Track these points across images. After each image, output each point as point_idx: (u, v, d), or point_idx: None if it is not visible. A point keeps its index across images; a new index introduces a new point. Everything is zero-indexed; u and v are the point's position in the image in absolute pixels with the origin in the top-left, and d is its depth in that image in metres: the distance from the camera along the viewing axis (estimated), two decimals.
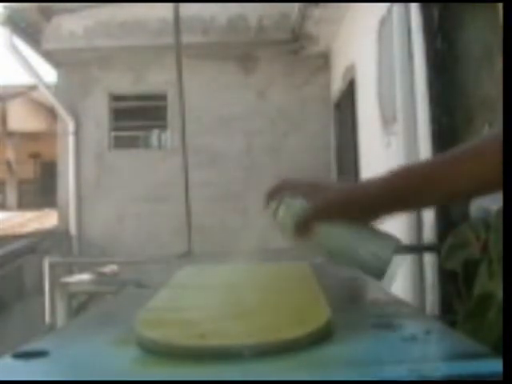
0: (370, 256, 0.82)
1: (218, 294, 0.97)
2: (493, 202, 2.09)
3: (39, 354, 0.63)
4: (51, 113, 10.06)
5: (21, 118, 15.05)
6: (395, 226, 3.45)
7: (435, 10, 3.12)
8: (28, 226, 8.79)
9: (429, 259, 3.16)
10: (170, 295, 0.96)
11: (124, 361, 0.62)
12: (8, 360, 0.62)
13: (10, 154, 16.98)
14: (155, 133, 7.72)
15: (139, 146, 7.68)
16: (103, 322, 0.83)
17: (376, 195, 0.80)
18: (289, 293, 0.93)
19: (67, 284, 3.80)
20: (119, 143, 7.49)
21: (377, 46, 4.43)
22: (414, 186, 0.80)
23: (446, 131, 3.03)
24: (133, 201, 7.15)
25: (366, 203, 0.81)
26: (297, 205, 0.84)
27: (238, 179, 6.85)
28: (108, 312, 0.95)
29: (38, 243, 6.39)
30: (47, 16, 6.72)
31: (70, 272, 5.47)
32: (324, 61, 7.04)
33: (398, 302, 0.92)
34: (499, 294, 1.60)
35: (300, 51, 6.88)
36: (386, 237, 0.85)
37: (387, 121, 4.15)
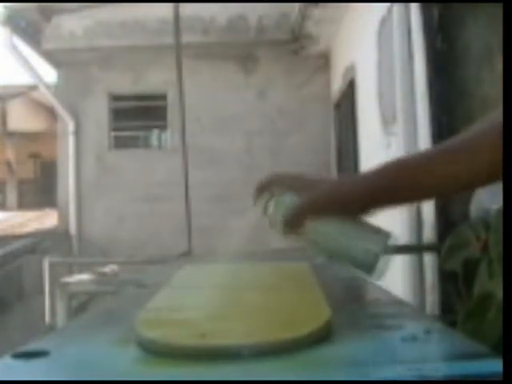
0: (361, 251, 0.81)
1: (218, 294, 0.97)
2: (493, 202, 2.09)
3: (39, 354, 0.63)
4: (51, 113, 10.06)
5: (21, 118, 15.05)
6: (395, 225, 3.43)
7: (435, 9, 3.12)
8: (28, 225, 8.79)
9: (429, 259, 3.15)
10: (170, 295, 0.96)
11: (124, 361, 0.62)
12: (8, 360, 0.62)
13: (10, 154, 16.98)
14: (155, 133, 7.72)
15: (139, 146, 7.68)
16: (103, 322, 0.83)
17: (366, 189, 0.79)
18: (289, 293, 0.93)
19: (67, 284, 3.80)
20: (119, 143, 7.49)
21: (377, 46, 4.43)
22: (404, 180, 0.79)
23: (445, 131, 3.03)
24: (133, 201, 7.15)
25: (356, 198, 0.79)
26: (287, 200, 0.83)
27: (238, 179, 6.84)
28: (108, 312, 0.95)
29: (37, 243, 6.39)
30: (47, 16, 6.72)
31: (70, 272, 5.46)
32: (324, 61, 7.04)
33: (398, 302, 0.92)
34: (499, 293, 1.60)
35: (300, 51, 6.88)
36: (377, 232, 0.84)
37: (387, 121, 4.15)
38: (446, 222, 2.99)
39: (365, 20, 4.85)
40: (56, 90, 7.27)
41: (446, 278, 2.80)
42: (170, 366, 0.59)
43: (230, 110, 7.11)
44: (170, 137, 7.33)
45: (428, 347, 0.65)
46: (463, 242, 2.06)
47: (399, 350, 0.62)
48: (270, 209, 0.84)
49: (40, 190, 16.56)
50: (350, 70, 5.64)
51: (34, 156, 17.71)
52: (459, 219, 2.70)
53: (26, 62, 6.60)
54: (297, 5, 5.85)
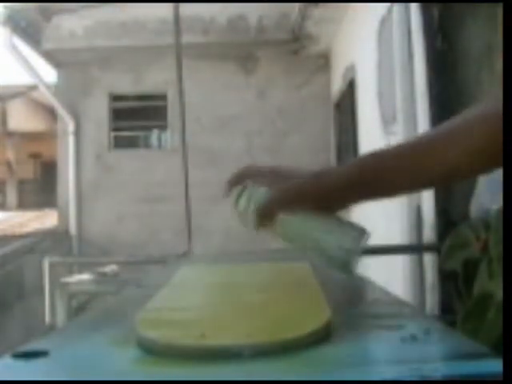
0: (334, 247, 0.78)
1: (218, 294, 0.97)
2: (493, 202, 2.09)
3: (39, 354, 0.63)
4: (51, 113, 10.07)
5: (21, 118, 15.05)
6: (395, 225, 3.44)
7: (435, 9, 3.12)
8: (28, 225, 8.79)
9: (429, 259, 3.16)
10: (170, 295, 0.96)
11: (124, 361, 0.62)
12: (8, 360, 0.62)
13: (10, 154, 16.97)
14: (155, 133, 7.72)
15: (139, 146, 7.68)
16: (103, 322, 0.83)
17: (340, 183, 0.76)
18: (289, 293, 0.93)
19: (67, 284, 3.80)
20: (119, 143, 7.50)
21: (377, 46, 4.43)
22: (379, 174, 0.76)
23: None
24: (133, 201, 7.15)
25: (330, 191, 0.77)
26: (259, 193, 0.80)
27: None
28: (108, 312, 0.95)
29: (37, 243, 6.39)
30: (47, 16, 6.72)
31: (70, 272, 5.46)
32: (324, 61, 7.04)
33: (397, 302, 0.91)
34: (499, 293, 1.60)
35: (300, 51, 6.89)
36: (352, 227, 0.80)
37: (387, 121, 4.15)
38: (446, 221, 2.99)
39: (365, 20, 4.85)
40: (56, 89, 7.27)
41: (446, 278, 2.80)
42: (170, 366, 0.59)
43: (230, 109, 7.11)
44: (170, 137, 7.33)
45: (428, 347, 0.65)
46: (463, 242, 2.06)
47: (399, 350, 0.62)
48: (242, 202, 0.81)
49: (40, 190, 16.56)
50: (350, 70, 5.64)
51: (34, 156, 17.71)
52: (459, 219, 2.70)
53: (26, 62, 6.60)
54: (297, 5, 5.85)
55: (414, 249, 3.32)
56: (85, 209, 7.26)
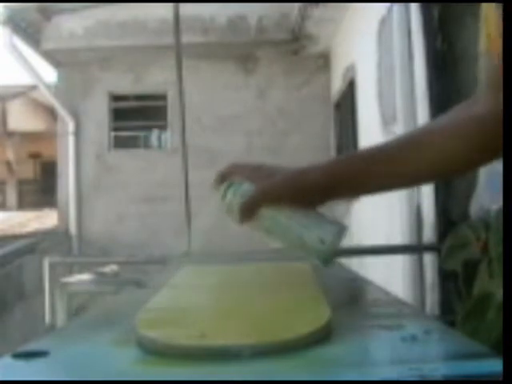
0: (315, 240, 0.82)
1: (218, 294, 0.97)
2: (493, 202, 2.09)
3: (39, 354, 0.63)
4: (51, 113, 10.07)
5: (21, 118, 15.05)
6: (395, 225, 3.44)
7: (435, 9, 3.12)
8: (28, 225, 8.79)
9: (429, 259, 3.16)
10: (170, 295, 0.96)
11: (124, 361, 0.62)
12: (8, 360, 0.62)
13: (9, 154, 16.98)
14: (155, 133, 7.72)
15: (139, 146, 7.68)
16: (103, 322, 0.83)
17: (318, 181, 0.82)
18: (289, 293, 0.93)
19: (67, 284, 3.79)
20: (119, 143, 7.49)
21: (377, 46, 4.43)
22: (353, 173, 0.82)
23: None
24: (133, 201, 7.15)
25: (310, 188, 0.82)
26: (244, 188, 0.85)
27: None
28: (108, 312, 0.95)
29: (37, 243, 6.39)
30: (47, 16, 6.72)
31: (70, 272, 5.46)
32: (324, 61, 7.04)
33: (398, 302, 0.92)
34: (499, 293, 1.60)
35: (300, 51, 6.88)
36: (330, 222, 0.85)
37: (387, 121, 4.15)
38: (446, 221, 2.99)
39: (365, 20, 4.85)
40: (56, 90, 7.27)
41: (446, 277, 2.80)
42: (170, 366, 0.59)
43: (230, 110, 7.11)
44: (170, 137, 7.33)
45: (428, 347, 0.65)
46: (463, 242, 2.06)
47: (399, 350, 0.62)
48: (228, 196, 0.87)
49: (40, 190, 16.57)
50: (350, 70, 5.64)
51: (34, 156, 17.72)
52: (459, 219, 2.71)
53: (25, 62, 6.60)
54: (297, 5, 5.85)
55: (414, 249, 3.32)
56: (85, 209, 7.26)
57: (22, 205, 15.88)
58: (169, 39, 3.95)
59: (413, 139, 0.84)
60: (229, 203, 0.86)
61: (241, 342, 0.62)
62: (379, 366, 0.59)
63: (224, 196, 0.88)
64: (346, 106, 6.05)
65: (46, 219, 9.19)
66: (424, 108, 3.23)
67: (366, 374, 0.55)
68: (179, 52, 3.50)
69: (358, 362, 0.60)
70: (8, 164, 17.11)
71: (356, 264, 3.74)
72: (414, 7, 3.31)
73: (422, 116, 3.26)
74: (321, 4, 5.38)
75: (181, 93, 3.51)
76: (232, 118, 7.11)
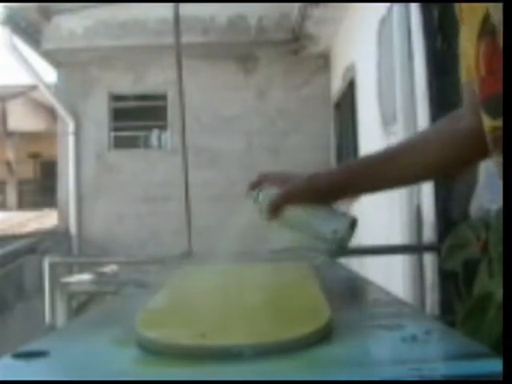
0: (330, 231, 0.97)
1: (218, 294, 0.97)
2: (493, 202, 2.09)
3: (39, 354, 0.63)
4: (51, 113, 10.06)
5: (21, 118, 15.04)
6: (395, 225, 3.43)
7: (435, 9, 3.12)
8: (28, 225, 8.79)
9: (429, 259, 3.16)
10: (170, 295, 0.96)
11: (124, 361, 0.62)
12: (8, 360, 0.62)
13: (9, 154, 16.97)
14: (155, 133, 7.72)
15: (139, 146, 7.68)
16: (103, 322, 0.83)
17: (327, 183, 1.01)
18: (289, 293, 0.93)
19: (67, 284, 3.79)
20: (119, 143, 7.49)
21: (377, 46, 4.43)
22: (353, 178, 1.03)
23: None
24: (133, 201, 7.15)
25: (323, 189, 1.00)
26: (271, 192, 1.02)
27: (238, 179, 6.84)
28: (108, 312, 0.95)
29: (37, 243, 6.39)
30: (47, 16, 6.72)
31: (70, 272, 5.46)
32: (324, 61, 7.04)
33: (398, 302, 0.92)
34: (499, 293, 1.60)
35: (300, 51, 6.88)
36: (344, 215, 1.01)
37: (387, 121, 4.15)
38: (446, 221, 2.99)
39: (365, 20, 4.85)
40: (56, 89, 7.27)
41: (446, 277, 2.80)
42: (170, 366, 0.59)
43: (230, 110, 7.11)
44: (170, 137, 7.33)
45: (428, 347, 0.65)
46: (463, 242, 2.06)
47: (399, 350, 0.62)
48: (259, 199, 1.03)
49: (40, 189, 16.56)
50: (350, 70, 5.64)
51: (34, 156, 17.71)
52: (459, 219, 2.70)
53: (25, 62, 6.60)
54: (297, 5, 5.85)
55: (414, 249, 3.32)
56: (85, 209, 7.26)
57: (22, 205, 15.88)
58: (169, 39, 3.95)
59: (408, 146, 1.05)
60: (260, 205, 1.03)
61: (241, 342, 0.62)
62: (379, 366, 0.59)
63: (256, 200, 1.04)
64: (346, 106, 6.05)
65: (46, 219, 9.19)
66: (424, 108, 3.23)
67: (366, 374, 0.55)
68: (179, 52, 3.50)
69: (358, 361, 0.60)
70: (8, 164, 17.11)
71: (356, 264, 3.75)
72: (414, 7, 3.32)
73: (422, 116, 3.26)
74: (321, 4, 5.38)
75: (181, 93, 3.51)
76: (232, 118, 7.11)
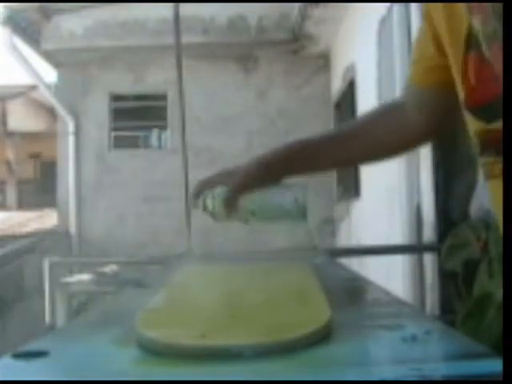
0: (291, 202, 1.00)
1: (218, 294, 0.97)
2: None
3: (39, 354, 0.63)
4: (51, 113, 10.06)
5: (21, 118, 15.04)
6: (395, 225, 3.43)
7: None
8: (28, 225, 8.79)
9: (429, 259, 3.16)
10: (170, 295, 0.96)
11: (124, 361, 0.62)
12: (8, 360, 0.62)
13: (9, 154, 16.97)
14: (155, 133, 7.72)
15: (139, 146, 7.68)
16: (103, 322, 0.83)
17: (276, 158, 1.04)
18: (289, 293, 0.93)
19: (67, 284, 3.79)
20: (119, 143, 7.49)
21: (377, 46, 4.43)
22: (291, 159, 1.05)
23: None
24: (133, 201, 7.15)
25: (273, 162, 1.03)
26: (218, 191, 1.01)
27: None
28: (108, 312, 0.95)
29: (37, 243, 6.39)
30: (47, 16, 6.72)
31: (70, 272, 5.46)
32: (324, 61, 7.04)
33: (397, 302, 0.92)
34: (499, 293, 1.60)
35: (300, 51, 6.88)
36: (296, 186, 1.03)
37: None
38: (446, 222, 2.99)
39: (365, 20, 4.85)
40: (56, 89, 7.27)
41: (446, 277, 2.80)
42: (170, 366, 0.59)
43: (230, 109, 7.11)
44: (169, 137, 7.33)
45: (428, 347, 0.65)
46: (463, 242, 2.06)
47: (399, 350, 0.62)
48: (208, 203, 1.02)
49: (40, 190, 16.56)
50: (350, 70, 5.64)
51: (34, 156, 17.71)
52: (459, 219, 2.70)
53: (25, 62, 6.60)
54: (297, 5, 5.85)
55: (414, 249, 3.32)
56: (85, 209, 7.26)
57: (21, 205, 15.87)
58: (169, 39, 3.95)
59: (349, 128, 1.13)
60: (211, 207, 1.02)
61: (241, 342, 0.62)
62: (379, 366, 0.59)
63: (205, 206, 1.03)
64: (346, 106, 6.05)
65: (46, 219, 9.19)
66: None
67: (366, 374, 0.55)
68: (179, 52, 3.50)
69: (358, 362, 0.60)
70: (8, 164, 17.10)
71: (356, 264, 3.75)
72: (414, 7, 3.31)
73: None
74: (321, 4, 5.38)
75: (181, 93, 3.51)
76: (232, 118, 7.11)
